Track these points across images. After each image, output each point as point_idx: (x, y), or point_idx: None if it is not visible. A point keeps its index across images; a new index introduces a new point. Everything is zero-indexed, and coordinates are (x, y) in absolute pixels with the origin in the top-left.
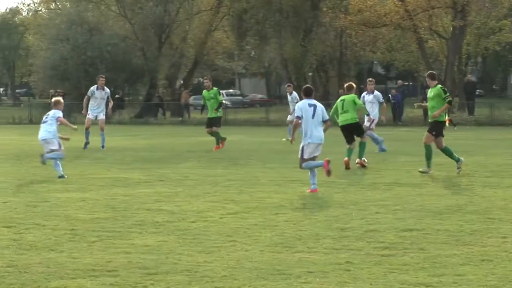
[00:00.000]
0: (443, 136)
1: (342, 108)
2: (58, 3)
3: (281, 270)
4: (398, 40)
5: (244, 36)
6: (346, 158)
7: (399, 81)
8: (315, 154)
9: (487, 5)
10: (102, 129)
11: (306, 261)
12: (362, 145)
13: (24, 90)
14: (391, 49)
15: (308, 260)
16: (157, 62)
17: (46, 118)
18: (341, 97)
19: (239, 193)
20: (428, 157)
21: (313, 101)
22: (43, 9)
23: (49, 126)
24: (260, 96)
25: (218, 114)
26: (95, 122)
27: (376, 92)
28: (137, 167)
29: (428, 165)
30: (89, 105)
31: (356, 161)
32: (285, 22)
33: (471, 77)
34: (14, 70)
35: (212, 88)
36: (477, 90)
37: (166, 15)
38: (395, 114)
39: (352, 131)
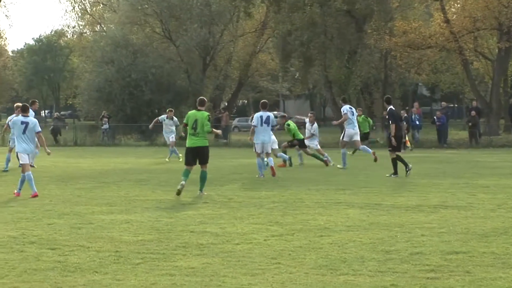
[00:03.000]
0: None
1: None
2: (103, 26)
3: None
4: (443, 62)
5: (289, 57)
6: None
7: (443, 103)
8: None
9: None
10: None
11: (351, 284)
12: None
13: (69, 112)
14: (436, 70)
15: (353, 282)
16: (202, 84)
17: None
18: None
19: (284, 215)
20: None
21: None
22: (88, 31)
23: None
24: (304, 118)
25: None
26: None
27: None
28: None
29: None
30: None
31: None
32: (330, 44)
33: None
34: (59, 92)
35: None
36: None
37: (210, 37)
38: (440, 136)
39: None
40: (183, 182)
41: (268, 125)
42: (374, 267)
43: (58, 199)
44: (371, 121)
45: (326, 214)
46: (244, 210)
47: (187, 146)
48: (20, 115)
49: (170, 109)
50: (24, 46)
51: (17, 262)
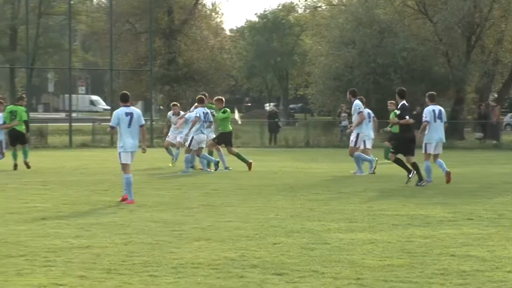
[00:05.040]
0: None
1: None
2: None
3: None
4: None
5: None
6: None
7: None
8: None
9: None
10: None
11: None
12: None
13: (299, 105)
14: None
15: None
16: (465, 70)
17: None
18: None
19: None
20: None
21: None
22: (323, 5)
23: None
24: None
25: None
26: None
27: None
28: (440, 201)
29: None
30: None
31: None
32: None
33: None
34: (288, 81)
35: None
36: None
37: (476, 11)
38: None
39: None
40: None
41: (441, 121)
42: None
43: (286, 213)
44: None
45: None
46: None
47: None
48: (122, 105)
49: (175, 103)
50: (245, 24)
51: None
